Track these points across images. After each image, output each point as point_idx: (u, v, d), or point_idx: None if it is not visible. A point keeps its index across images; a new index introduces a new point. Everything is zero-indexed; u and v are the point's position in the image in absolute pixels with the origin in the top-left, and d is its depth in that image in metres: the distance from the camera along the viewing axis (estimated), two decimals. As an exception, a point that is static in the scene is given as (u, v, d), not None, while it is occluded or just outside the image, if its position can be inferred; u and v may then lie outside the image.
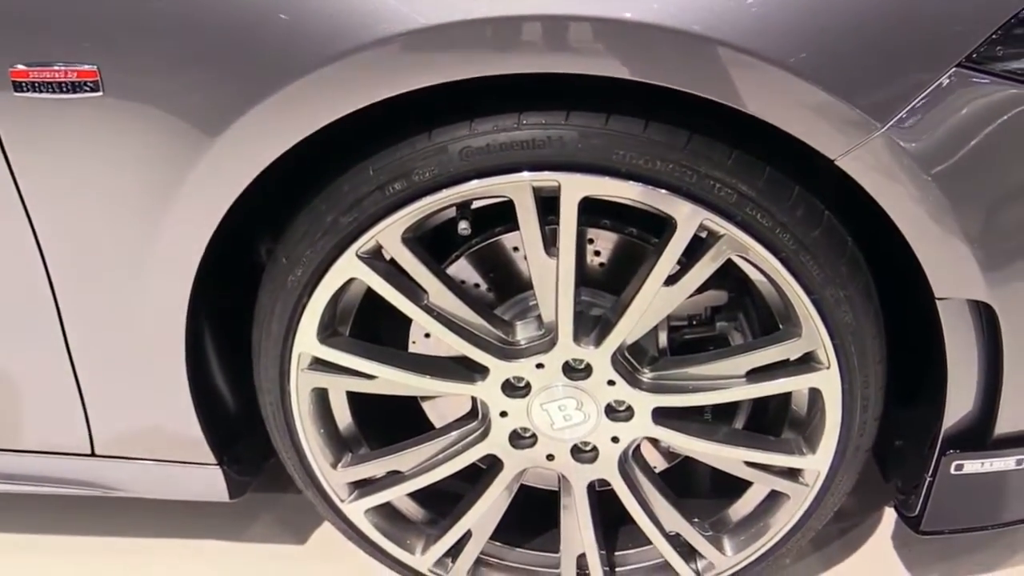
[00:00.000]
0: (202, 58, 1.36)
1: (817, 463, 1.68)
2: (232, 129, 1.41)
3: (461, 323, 1.60)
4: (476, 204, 1.55)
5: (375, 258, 1.56)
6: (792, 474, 1.72)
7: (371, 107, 1.39)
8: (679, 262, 1.52)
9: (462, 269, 1.70)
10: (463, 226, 1.56)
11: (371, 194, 1.50)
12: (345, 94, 1.37)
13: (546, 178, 1.46)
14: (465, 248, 1.68)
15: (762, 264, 1.50)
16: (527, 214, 1.49)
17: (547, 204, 1.48)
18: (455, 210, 1.54)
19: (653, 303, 1.55)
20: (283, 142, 1.42)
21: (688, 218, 1.47)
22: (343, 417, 1.78)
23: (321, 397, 1.73)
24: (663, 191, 1.46)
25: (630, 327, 1.58)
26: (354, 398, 1.75)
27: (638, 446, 1.72)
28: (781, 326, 1.60)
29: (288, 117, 1.39)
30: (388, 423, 1.80)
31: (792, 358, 1.60)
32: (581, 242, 1.53)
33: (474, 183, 1.47)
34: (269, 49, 1.34)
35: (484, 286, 1.71)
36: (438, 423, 1.81)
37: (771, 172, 1.48)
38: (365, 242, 1.53)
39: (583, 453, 1.72)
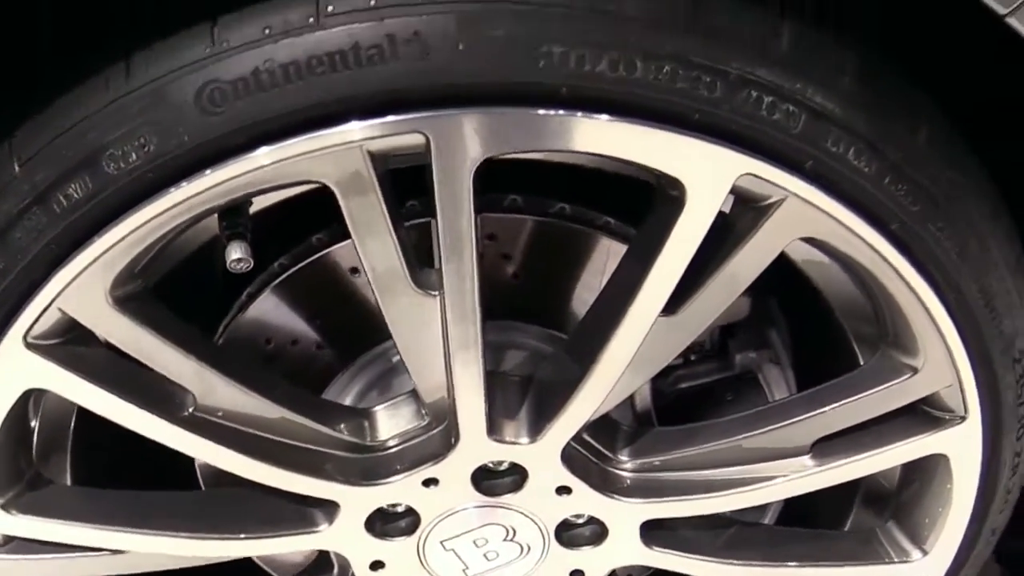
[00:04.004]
0: None
1: (929, 568, 1.10)
2: None
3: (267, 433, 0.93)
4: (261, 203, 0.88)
5: (66, 341, 0.87)
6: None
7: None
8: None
9: (263, 315, 1.04)
10: (235, 255, 0.81)
11: (24, 215, 0.77)
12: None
13: (399, 129, 0.74)
14: (261, 283, 1.03)
15: (852, 249, 0.85)
16: (365, 210, 0.78)
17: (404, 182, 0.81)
18: (218, 221, 0.84)
19: (646, 346, 0.87)
20: None
21: (712, 176, 0.78)
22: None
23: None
24: (657, 128, 0.75)
25: (601, 394, 0.91)
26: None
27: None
28: (861, 358, 1.02)
29: None
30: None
31: (893, 408, 0.97)
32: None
33: (238, 164, 0.74)
34: None
35: (313, 338, 1.07)
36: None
37: (862, 66, 0.80)
38: (35, 315, 0.83)
39: (524, 603, 1.14)
